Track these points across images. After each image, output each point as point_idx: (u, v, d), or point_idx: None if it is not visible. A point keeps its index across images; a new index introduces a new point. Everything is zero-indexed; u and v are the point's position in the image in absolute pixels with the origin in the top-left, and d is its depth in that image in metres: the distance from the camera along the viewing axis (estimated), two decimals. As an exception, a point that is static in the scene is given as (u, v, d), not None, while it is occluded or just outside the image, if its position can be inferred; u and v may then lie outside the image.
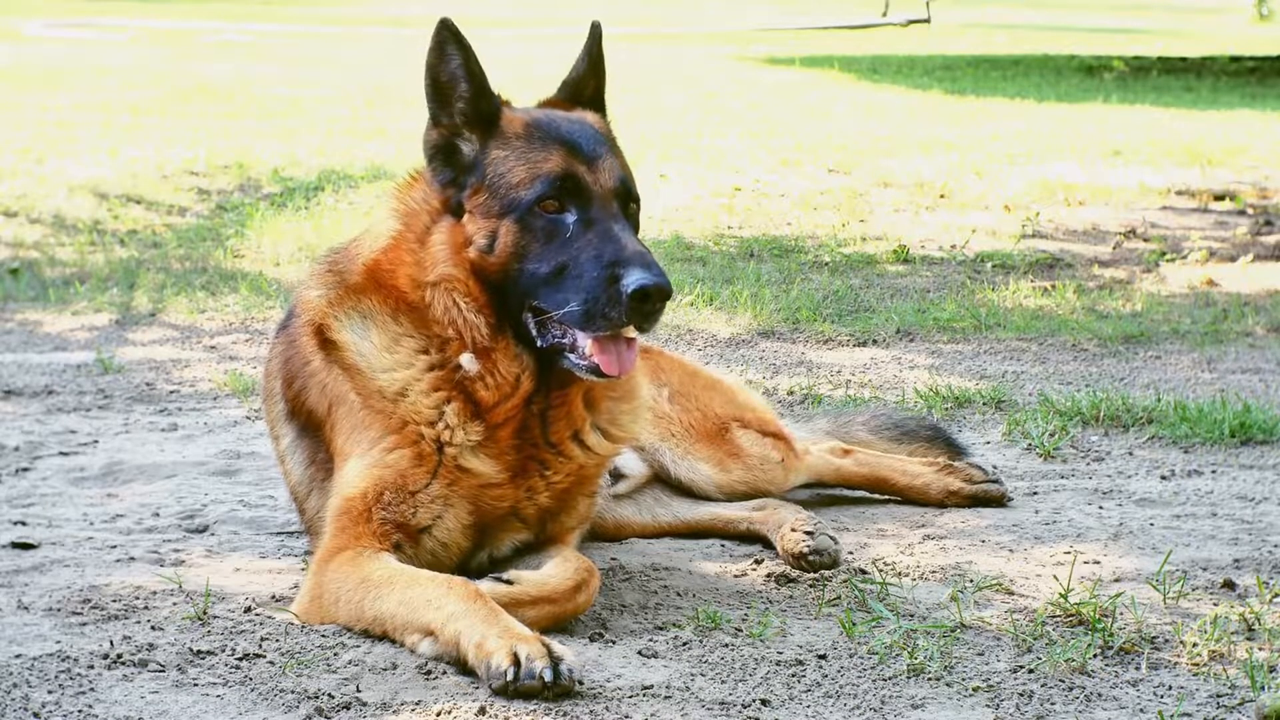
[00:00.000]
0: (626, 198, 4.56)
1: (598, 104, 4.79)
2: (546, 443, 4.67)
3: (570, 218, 4.48)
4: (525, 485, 4.67)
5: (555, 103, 4.78)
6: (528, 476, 4.67)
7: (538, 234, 4.48)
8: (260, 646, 4.34)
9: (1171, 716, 4.01)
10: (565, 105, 4.76)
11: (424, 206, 4.65)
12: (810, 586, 5.01)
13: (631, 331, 4.46)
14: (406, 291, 4.63)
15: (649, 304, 4.35)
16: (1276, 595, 4.84)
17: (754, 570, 5.18)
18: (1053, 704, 4.08)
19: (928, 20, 45.13)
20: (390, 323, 4.66)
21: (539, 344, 4.53)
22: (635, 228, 4.57)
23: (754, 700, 4.09)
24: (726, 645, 4.46)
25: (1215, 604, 4.81)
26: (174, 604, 4.68)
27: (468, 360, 4.58)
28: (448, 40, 4.55)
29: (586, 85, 4.79)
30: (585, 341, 4.45)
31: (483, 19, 40.26)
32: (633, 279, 4.33)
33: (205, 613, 4.58)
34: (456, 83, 4.57)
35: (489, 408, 4.59)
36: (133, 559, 5.17)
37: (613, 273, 4.36)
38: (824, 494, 6.03)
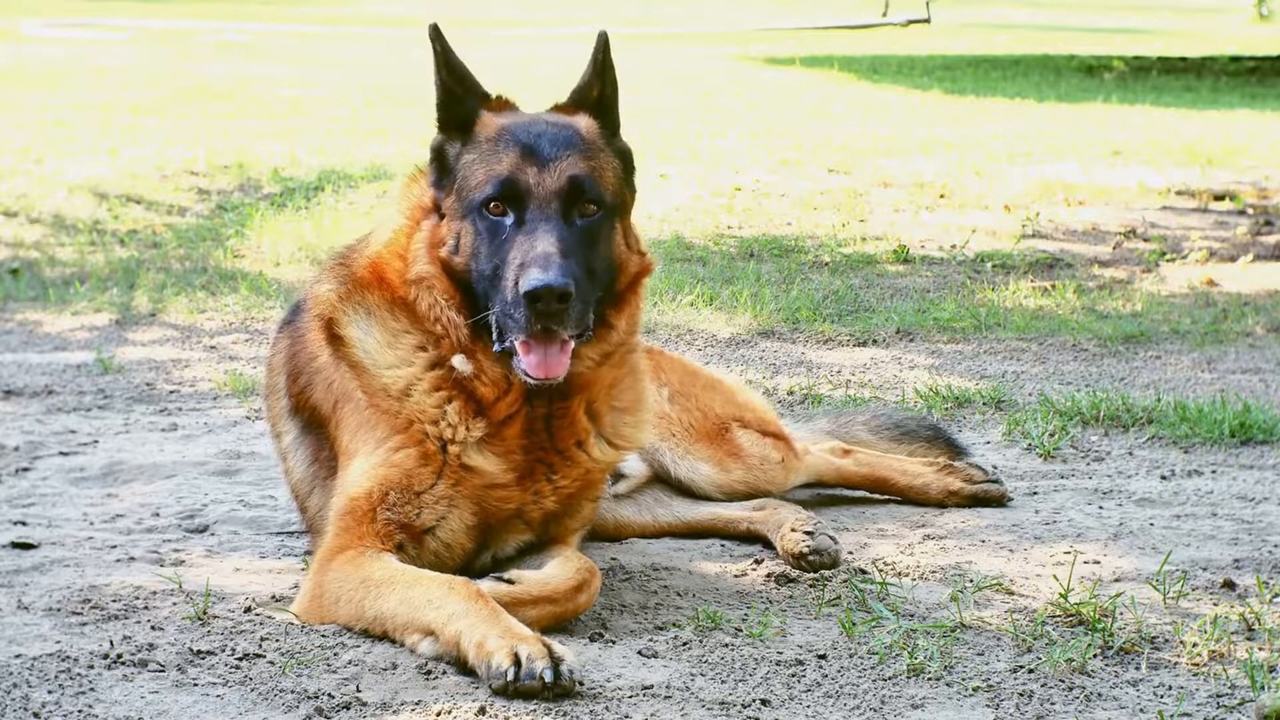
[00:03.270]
0: (575, 199, 4.48)
1: (603, 109, 4.74)
2: (553, 448, 4.68)
3: (508, 220, 4.47)
4: (532, 489, 4.67)
5: (560, 107, 4.78)
6: (535, 480, 4.67)
7: (483, 235, 4.49)
8: (260, 646, 4.34)
9: (1171, 716, 4.01)
10: (568, 110, 4.75)
11: (419, 204, 4.70)
12: (810, 586, 5.01)
13: (569, 333, 4.43)
14: (397, 287, 4.66)
15: (540, 304, 4.28)
16: (1276, 595, 4.84)
17: (754, 570, 5.18)
18: (1053, 704, 4.08)
19: (928, 20, 45.10)
20: (389, 318, 4.67)
21: (495, 347, 4.52)
22: (593, 230, 4.50)
23: (754, 700, 4.09)
24: (726, 645, 4.46)
25: (1215, 604, 4.81)
26: (174, 604, 4.68)
27: (459, 361, 4.59)
28: (433, 45, 4.60)
29: (590, 91, 4.77)
30: (518, 344, 4.44)
31: (485, 19, 40.27)
32: (526, 280, 4.29)
33: (205, 613, 4.58)
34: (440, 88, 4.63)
35: (490, 404, 4.60)
36: (133, 559, 5.17)
37: (518, 275, 4.35)
38: (824, 494, 6.03)
